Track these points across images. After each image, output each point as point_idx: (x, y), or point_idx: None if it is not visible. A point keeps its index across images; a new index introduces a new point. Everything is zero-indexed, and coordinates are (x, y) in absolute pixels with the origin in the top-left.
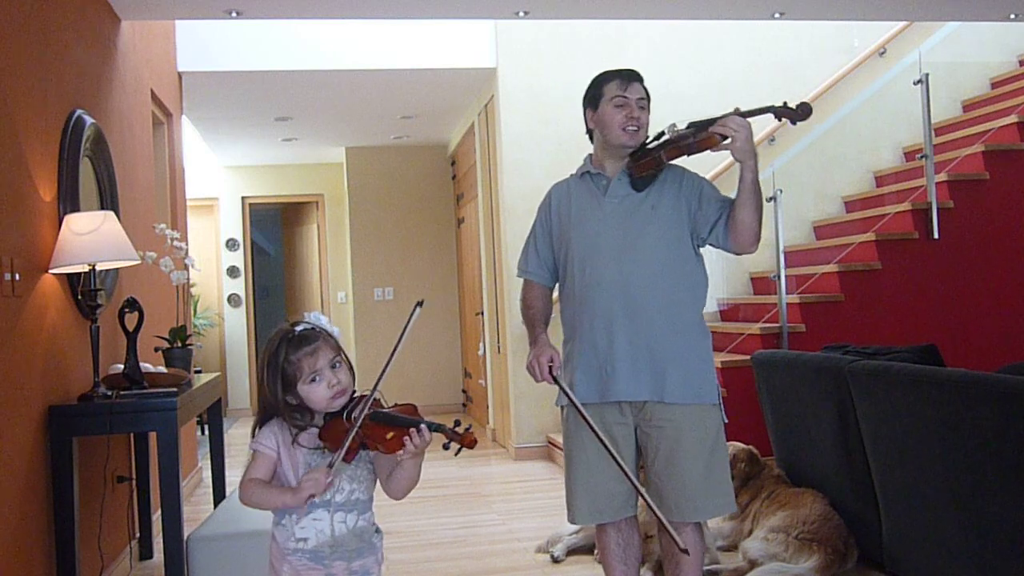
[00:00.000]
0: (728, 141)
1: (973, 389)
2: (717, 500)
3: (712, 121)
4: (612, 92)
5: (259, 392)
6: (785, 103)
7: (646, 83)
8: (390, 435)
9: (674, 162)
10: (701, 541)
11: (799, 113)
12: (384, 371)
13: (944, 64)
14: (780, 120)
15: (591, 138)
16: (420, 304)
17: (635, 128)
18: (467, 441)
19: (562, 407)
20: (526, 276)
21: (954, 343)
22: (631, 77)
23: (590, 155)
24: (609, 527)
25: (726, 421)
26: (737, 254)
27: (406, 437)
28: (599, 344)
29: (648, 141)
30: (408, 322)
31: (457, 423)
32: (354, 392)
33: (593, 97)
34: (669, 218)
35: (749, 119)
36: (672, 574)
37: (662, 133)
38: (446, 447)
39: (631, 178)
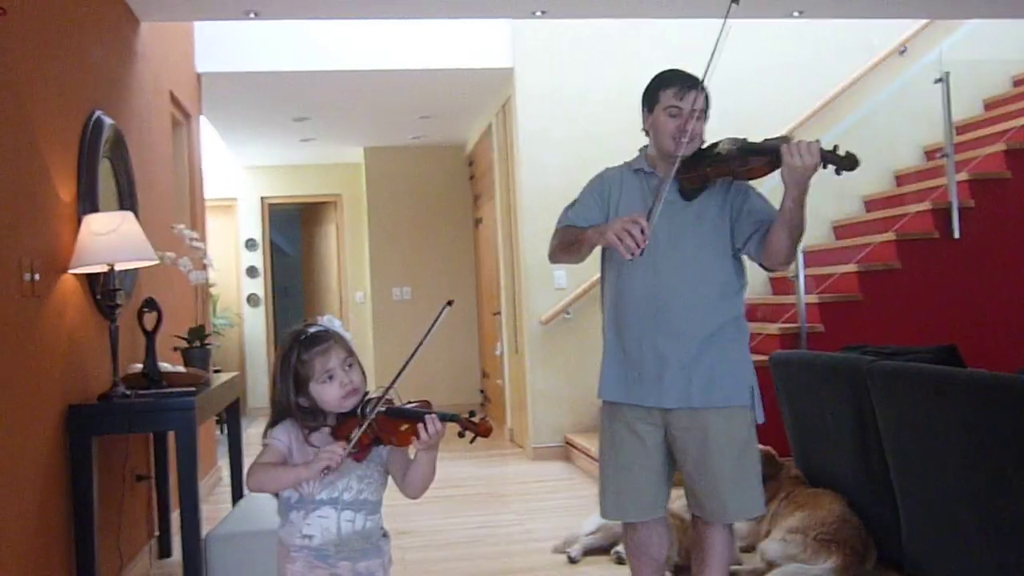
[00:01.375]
0: (788, 159)
1: (993, 390)
2: (747, 502)
3: (766, 148)
4: (667, 100)
5: (272, 393)
6: (835, 148)
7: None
8: (404, 427)
9: None
10: (729, 541)
11: (845, 163)
12: (403, 368)
13: (965, 62)
14: (825, 167)
15: (647, 134)
16: (450, 304)
17: (686, 139)
18: (482, 429)
19: (603, 401)
20: (564, 223)
21: (974, 344)
22: (689, 85)
23: (645, 149)
24: (631, 526)
25: (760, 421)
26: (767, 270)
27: (420, 426)
28: (628, 348)
29: (705, 148)
30: (435, 321)
31: (472, 413)
32: (367, 393)
33: (650, 100)
34: (712, 228)
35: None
36: (698, 571)
37: (717, 144)
38: (461, 435)
39: (680, 187)
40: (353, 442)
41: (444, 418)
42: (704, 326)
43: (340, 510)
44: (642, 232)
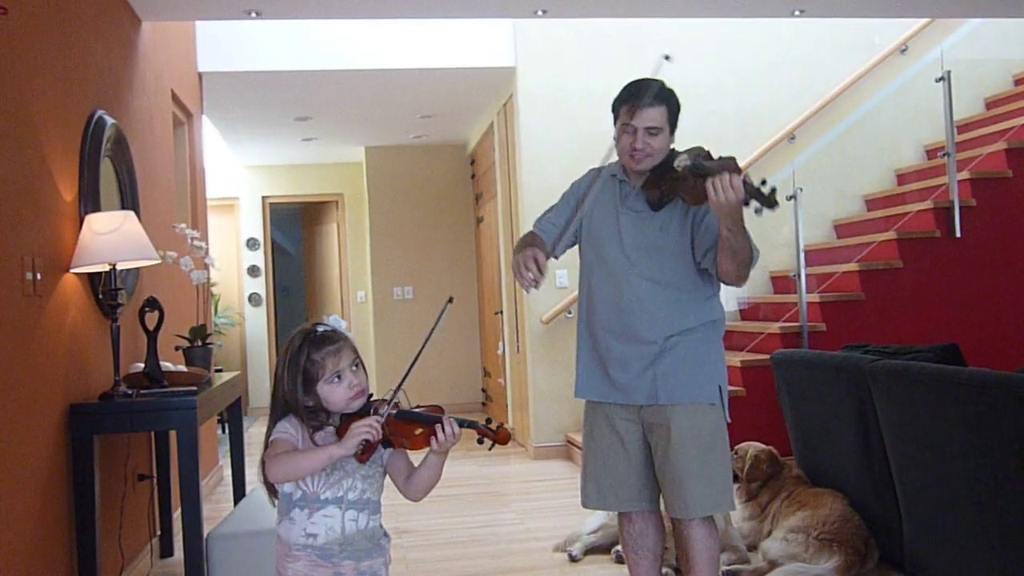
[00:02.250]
0: (711, 194)
1: (995, 389)
2: (710, 498)
3: (712, 169)
4: (622, 117)
5: (274, 392)
6: (763, 182)
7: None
8: (418, 431)
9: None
10: (710, 539)
11: (766, 201)
12: (410, 369)
13: (966, 61)
14: (747, 204)
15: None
16: (451, 301)
17: (640, 156)
18: (501, 436)
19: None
20: (536, 229)
21: (976, 343)
22: (641, 103)
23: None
24: (624, 517)
25: (729, 421)
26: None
27: (437, 429)
28: (599, 348)
29: (671, 158)
30: (439, 318)
31: (489, 420)
32: (371, 395)
33: (614, 114)
34: (676, 237)
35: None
36: (686, 571)
37: (680, 156)
38: (480, 442)
39: (647, 196)
40: (384, 414)
41: (462, 424)
42: (663, 331)
43: (344, 509)
44: (538, 267)
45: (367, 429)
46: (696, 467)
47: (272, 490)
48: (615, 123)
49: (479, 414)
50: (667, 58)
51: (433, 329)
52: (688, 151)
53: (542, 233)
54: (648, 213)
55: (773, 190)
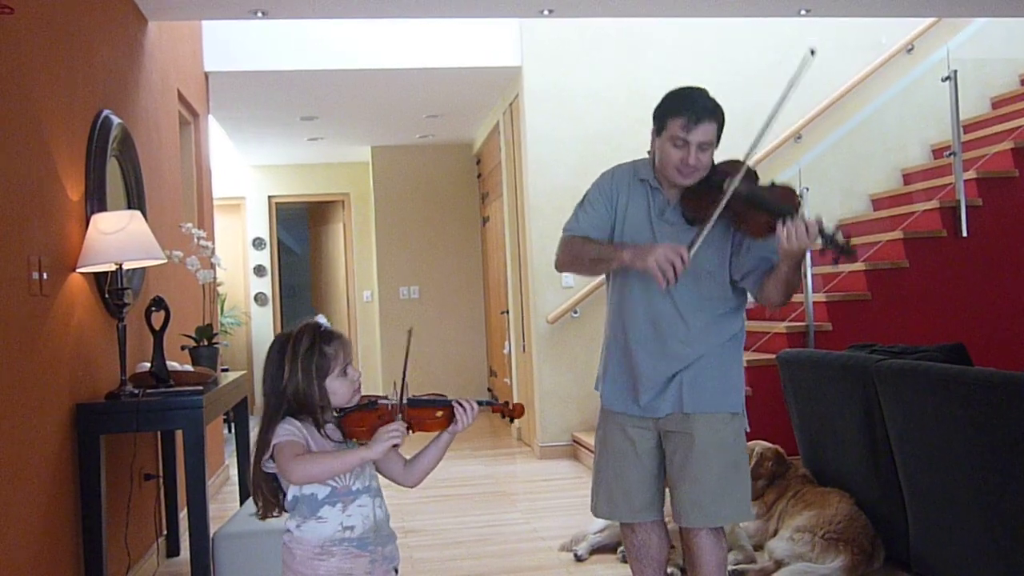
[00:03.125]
0: (782, 239)
1: (1002, 389)
2: (729, 508)
3: (771, 209)
4: (674, 130)
5: (275, 394)
6: (836, 232)
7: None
8: (439, 413)
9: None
10: (718, 547)
11: (841, 253)
12: (404, 368)
13: (973, 61)
14: (822, 253)
15: (651, 155)
16: (410, 332)
17: (690, 171)
18: (517, 411)
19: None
20: (575, 232)
21: (982, 342)
22: (699, 118)
23: (652, 159)
24: (628, 527)
25: (748, 430)
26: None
27: (458, 410)
28: (631, 364)
29: (715, 174)
30: (407, 351)
31: (495, 399)
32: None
33: (658, 123)
34: (713, 254)
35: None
36: (692, 575)
37: (727, 175)
38: (503, 416)
39: (683, 210)
40: (402, 425)
41: (480, 404)
42: (700, 347)
43: (374, 496)
44: (683, 263)
45: (395, 435)
46: (718, 477)
47: (270, 502)
48: (659, 132)
49: (484, 413)
50: (813, 52)
51: (406, 362)
52: (728, 165)
53: (597, 232)
54: (684, 227)
55: (848, 239)
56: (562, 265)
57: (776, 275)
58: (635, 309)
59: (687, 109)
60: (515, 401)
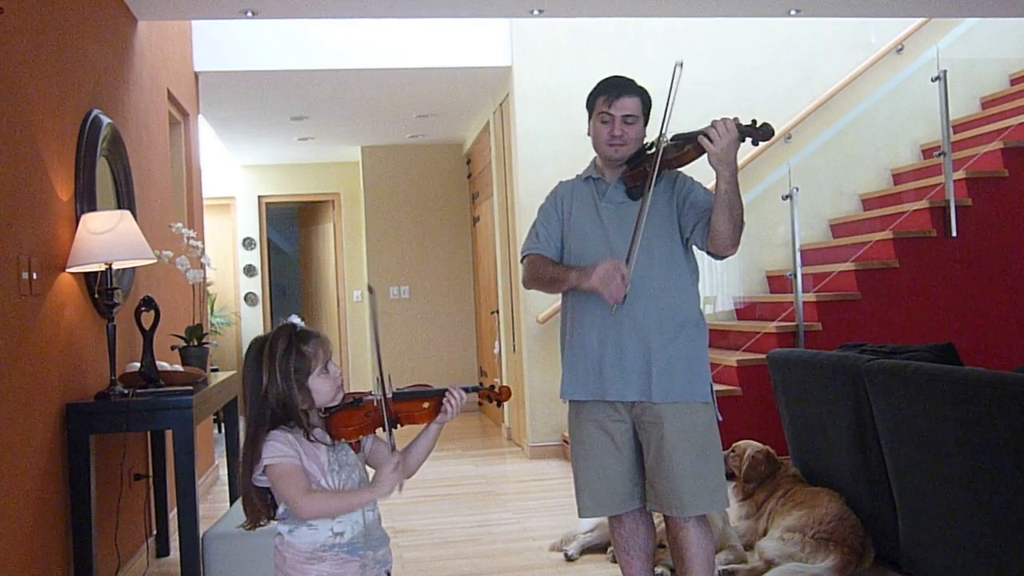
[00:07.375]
0: (707, 152)
1: (991, 388)
2: (705, 496)
3: (694, 135)
4: (600, 107)
5: (257, 400)
6: (753, 121)
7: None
8: (426, 405)
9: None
10: (704, 540)
11: (761, 133)
12: (379, 353)
13: (962, 61)
14: (743, 140)
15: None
16: (371, 291)
17: (619, 143)
18: (504, 394)
19: (569, 401)
20: (534, 251)
21: (972, 342)
22: (619, 92)
23: (595, 159)
24: (616, 519)
25: (720, 419)
26: (716, 257)
27: (446, 400)
28: (588, 346)
29: (646, 147)
30: (374, 310)
31: (482, 385)
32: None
33: (589, 107)
34: (661, 222)
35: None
36: (681, 572)
37: (652, 144)
38: (490, 400)
39: (626, 187)
40: (392, 443)
41: (467, 390)
42: (664, 319)
43: None
44: (623, 279)
45: (399, 476)
46: (690, 466)
47: (262, 512)
48: (590, 115)
49: (475, 413)
50: (680, 65)
51: (376, 321)
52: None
53: (547, 253)
54: (629, 203)
55: (765, 123)
56: (527, 283)
57: (717, 199)
58: (586, 299)
59: (609, 87)
60: (502, 384)
